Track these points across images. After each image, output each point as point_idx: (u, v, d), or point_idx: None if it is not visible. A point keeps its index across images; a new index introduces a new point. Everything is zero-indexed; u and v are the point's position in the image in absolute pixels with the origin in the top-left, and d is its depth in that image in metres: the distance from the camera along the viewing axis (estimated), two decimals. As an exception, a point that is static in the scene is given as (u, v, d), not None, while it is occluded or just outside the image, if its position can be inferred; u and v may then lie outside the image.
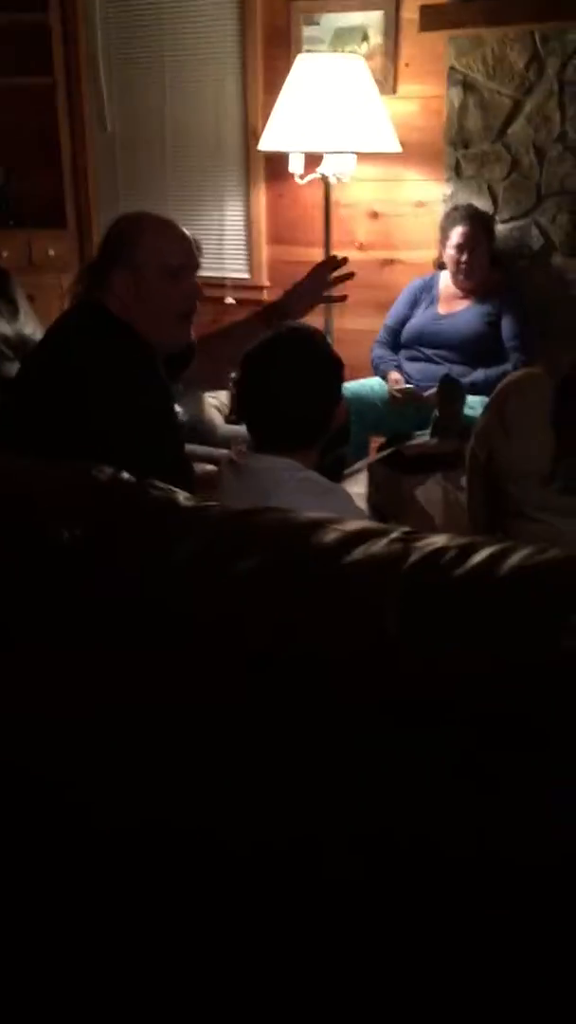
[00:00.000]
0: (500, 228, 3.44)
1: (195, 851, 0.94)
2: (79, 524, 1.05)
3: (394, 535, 0.98)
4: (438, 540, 0.96)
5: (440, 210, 3.57)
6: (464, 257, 3.29)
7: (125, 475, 1.13)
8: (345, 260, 2.23)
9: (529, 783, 0.82)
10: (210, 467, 2.45)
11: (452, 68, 3.43)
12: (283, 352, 1.72)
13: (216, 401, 3.11)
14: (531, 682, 0.83)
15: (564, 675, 0.81)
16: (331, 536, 0.98)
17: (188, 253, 1.95)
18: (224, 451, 2.67)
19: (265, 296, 4.07)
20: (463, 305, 3.38)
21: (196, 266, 1.98)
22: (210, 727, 0.96)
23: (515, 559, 0.89)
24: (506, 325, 3.30)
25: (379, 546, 0.96)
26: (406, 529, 1.01)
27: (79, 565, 1.03)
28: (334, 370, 1.72)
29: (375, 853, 0.88)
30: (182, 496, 1.07)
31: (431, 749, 0.86)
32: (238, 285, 4.08)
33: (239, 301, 4.07)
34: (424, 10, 3.28)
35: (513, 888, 0.80)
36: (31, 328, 3.01)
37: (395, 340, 3.51)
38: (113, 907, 0.99)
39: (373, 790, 0.88)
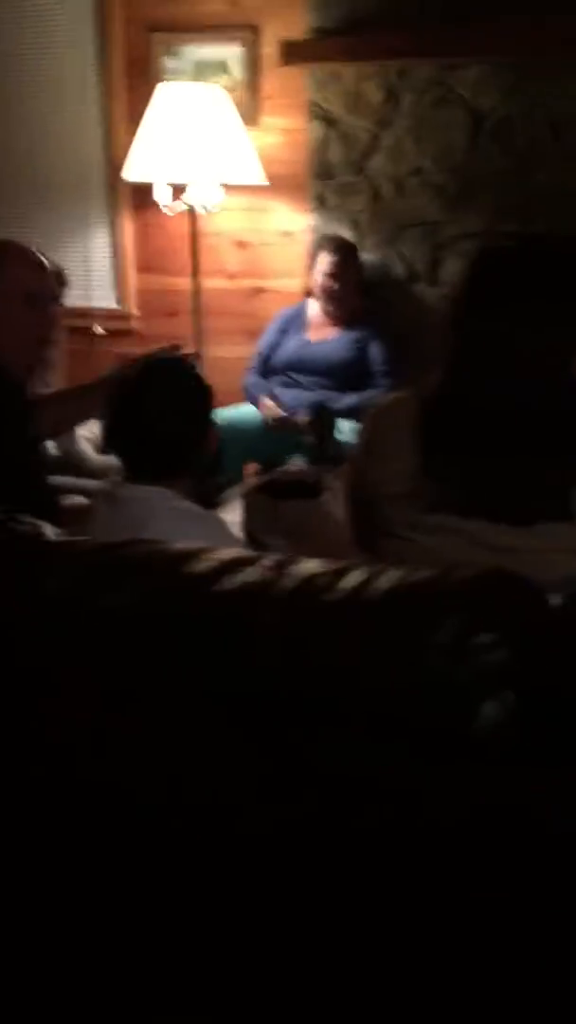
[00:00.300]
0: (365, 258, 3.53)
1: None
2: (-57, 563, 1.02)
3: (267, 562, 0.99)
4: (311, 566, 0.97)
5: (306, 240, 3.63)
6: (334, 285, 3.36)
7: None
8: (177, 348, 2.25)
9: (407, 796, 0.83)
10: (80, 499, 2.41)
11: (312, 102, 3.51)
12: (153, 380, 1.72)
13: (87, 432, 3.07)
14: (401, 702, 0.84)
15: (431, 694, 0.83)
16: (204, 565, 0.98)
17: (48, 281, 2.02)
18: (95, 482, 2.63)
19: (135, 326, 4.06)
20: (332, 332, 3.44)
21: (56, 294, 2.02)
22: (89, 763, 0.94)
23: (384, 582, 0.91)
24: (374, 351, 3.38)
25: (252, 573, 0.96)
26: (278, 556, 1.01)
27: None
28: (204, 397, 1.73)
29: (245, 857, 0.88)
30: (49, 530, 1.05)
31: (304, 770, 0.86)
32: (108, 315, 4.04)
33: (109, 331, 4.04)
34: (283, 45, 3.35)
35: (383, 896, 0.81)
36: None
37: (267, 367, 3.54)
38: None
39: (254, 815, 0.88)
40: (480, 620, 0.85)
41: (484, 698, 0.82)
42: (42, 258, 2.01)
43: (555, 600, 0.91)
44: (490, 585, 0.89)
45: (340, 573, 0.95)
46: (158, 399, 1.67)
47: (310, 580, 0.94)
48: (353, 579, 0.93)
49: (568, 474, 1.46)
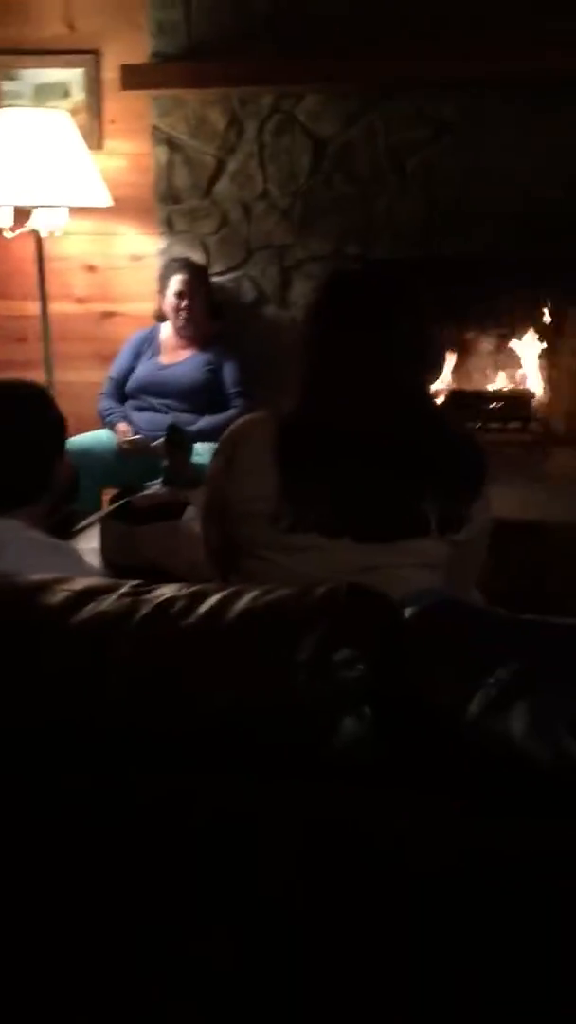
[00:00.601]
0: (215, 280, 3.55)
1: None
2: None
3: (123, 590, 0.98)
4: (167, 591, 0.97)
5: (156, 263, 3.62)
6: (184, 303, 3.36)
7: None
8: None
9: (270, 814, 0.83)
10: None
11: (156, 127, 3.52)
12: (1, 412, 1.66)
13: None
14: (266, 720, 0.85)
15: (297, 710, 0.84)
16: (59, 596, 0.96)
17: None
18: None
19: (-17, 352, 3.94)
20: (185, 355, 3.44)
21: None
22: None
23: (242, 603, 0.91)
24: (227, 373, 3.40)
25: (108, 602, 0.95)
26: (135, 583, 1.00)
27: None
28: (55, 425, 1.69)
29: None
30: None
31: (169, 797, 0.85)
32: (-48, 342, 3.91)
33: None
34: (124, 70, 3.34)
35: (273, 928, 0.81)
36: None
37: (120, 391, 3.51)
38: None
39: (113, 848, 0.86)
40: (338, 637, 0.87)
41: (343, 714, 0.83)
42: None
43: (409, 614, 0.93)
44: (347, 602, 0.90)
45: (197, 597, 0.94)
46: (3, 433, 1.62)
47: (166, 606, 0.93)
48: (211, 602, 0.93)
49: (423, 491, 1.51)
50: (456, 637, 0.90)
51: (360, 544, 1.48)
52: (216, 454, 1.71)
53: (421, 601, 0.97)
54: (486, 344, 3.76)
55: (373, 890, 0.77)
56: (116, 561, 2.12)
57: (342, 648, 0.85)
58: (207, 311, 3.44)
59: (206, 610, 0.91)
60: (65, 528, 2.24)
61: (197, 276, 3.42)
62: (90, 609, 0.93)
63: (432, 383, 1.67)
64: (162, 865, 0.84)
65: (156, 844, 0.82)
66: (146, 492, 2.53)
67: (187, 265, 3.43)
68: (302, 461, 1.53)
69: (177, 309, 3.38)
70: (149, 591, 0.97)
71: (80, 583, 0.99)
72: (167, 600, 0.94)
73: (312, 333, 1.61)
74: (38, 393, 1.70)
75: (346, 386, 1.52)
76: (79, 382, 3.62)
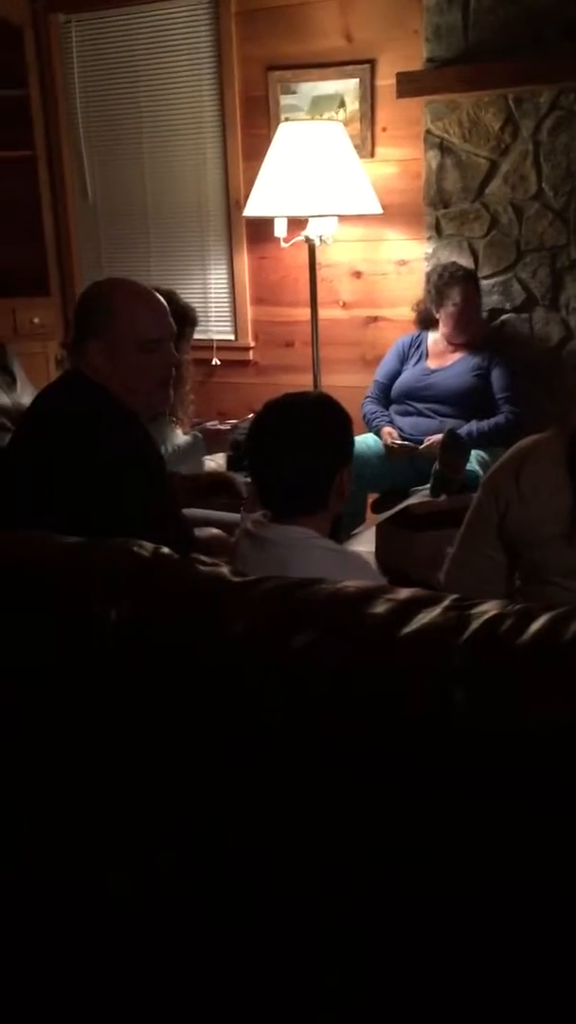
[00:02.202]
0: (483, 284, 3.51)
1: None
2: (126, 603, 1.04)
3: (446, 603, 0.98)
4: (491, 607, 0.97)
5: (422, 268, 3.63)
6: (458, 313, 3.33)
7: (166, 551, 1.13)
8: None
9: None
10: (213, 530, 2.42)
11: (428, 132, 3.52)
12: (290, 420, 1.69)
13: (214, 464, 3.11)
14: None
15: None
16: (384, 607, 0.98)
17: (162, 324, 1.92)
18: (226, 515, 2.66)
19: (252, 356, 4.12)
20: (452, 359, 3.43)
21: (171, 335, 1.95)
22: (275, 803, 0.95)
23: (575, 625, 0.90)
24: (495, 378, 3.35)
25: (434, 615, 0.96)
26: (455, 597, 1.01)
27: (129, 644, 1.02)
28: (347, 434, 1.71)
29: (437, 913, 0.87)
30: (228, 571, 1.07)
31: (502, 817, 0.85)
32: (224, 346, 4.12)
33: (224, 362, 4.12)
34: (400, 77, 3.36)
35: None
36: (28, 398, 3.01)
37: (385, 395, 3.55)
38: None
39: (437, 854, 0.87)
40: None
41: None
42: (159, 299, 1.95)
43: None
44: None
45: (524, 616, 0.93)
46: (295, 443, 1.63)
47: (495, 623, 0.93)
48: (540, 622, 0.91)
49: None
50: None
51: None
52: (496, 473, 1.66)
53: None
54: None
55: None
56: (392, 566, 2.15)
57: None
58: (479, 316, 3.41)
59: (537, 630, 0.90)
60: (335, 530, 2.29)
61: (472, 285, 3.38)
62: (417, 621, 0.95)
63: None
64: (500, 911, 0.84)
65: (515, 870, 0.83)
66: (418, 499, 2.54)
67: (464, 275, 3.37)
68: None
69: (455, 317, 3.35)
70: (473, 606, 0.97)
71: (402, 594, 1.01)
72: (494, 617, 0.94)
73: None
74: (332, 403, 1.73)
75: None
76: (343, 386, 3.69)
